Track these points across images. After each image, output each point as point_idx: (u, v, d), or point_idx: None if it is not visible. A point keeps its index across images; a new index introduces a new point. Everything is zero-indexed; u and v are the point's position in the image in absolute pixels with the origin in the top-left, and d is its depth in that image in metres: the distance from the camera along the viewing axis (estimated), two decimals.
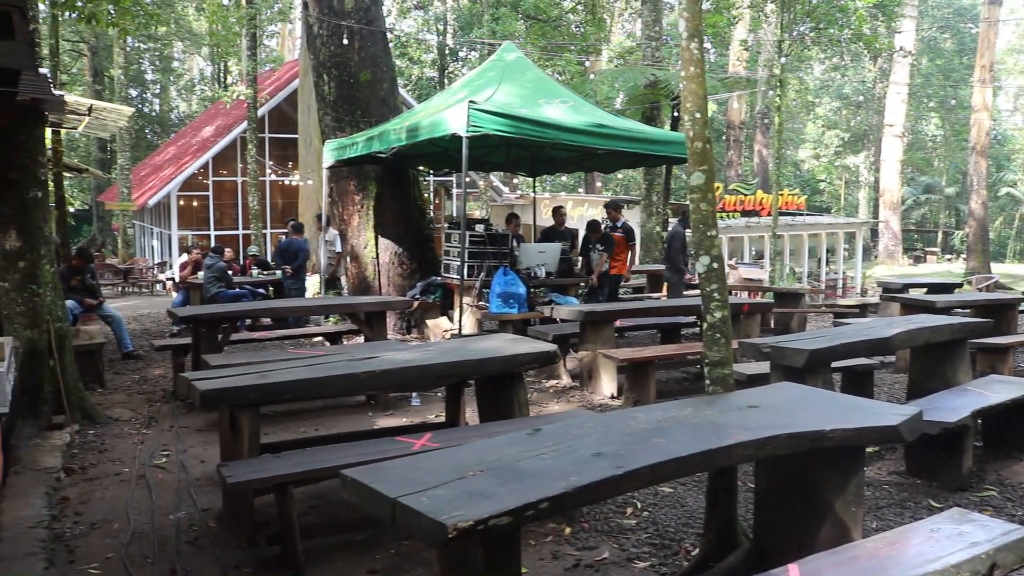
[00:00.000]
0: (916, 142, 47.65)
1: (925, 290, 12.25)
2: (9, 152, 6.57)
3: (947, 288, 12.55)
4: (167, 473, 6.00)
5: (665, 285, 12.52)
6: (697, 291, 8.51)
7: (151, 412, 7.79)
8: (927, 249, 42.81)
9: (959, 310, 9.35)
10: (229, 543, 4.70)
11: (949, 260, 39.93)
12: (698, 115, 4.48)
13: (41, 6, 10.58)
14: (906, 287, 11.99)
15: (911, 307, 9.24)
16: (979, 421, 6.10)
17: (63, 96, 7.17)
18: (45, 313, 6.86)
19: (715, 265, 4.49)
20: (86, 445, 6.66)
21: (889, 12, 21.35)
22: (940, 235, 47.47)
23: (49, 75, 6.28)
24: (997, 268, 30.92)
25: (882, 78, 40.91)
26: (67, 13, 11.73)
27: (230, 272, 12.74)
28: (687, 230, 11.29)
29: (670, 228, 13.12)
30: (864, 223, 30.65)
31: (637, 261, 19.85)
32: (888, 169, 34.83)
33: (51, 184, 8.45)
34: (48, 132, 10.28)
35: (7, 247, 6.68)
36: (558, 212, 12.26)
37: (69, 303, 8.89)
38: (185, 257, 15.50)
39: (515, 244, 10.77)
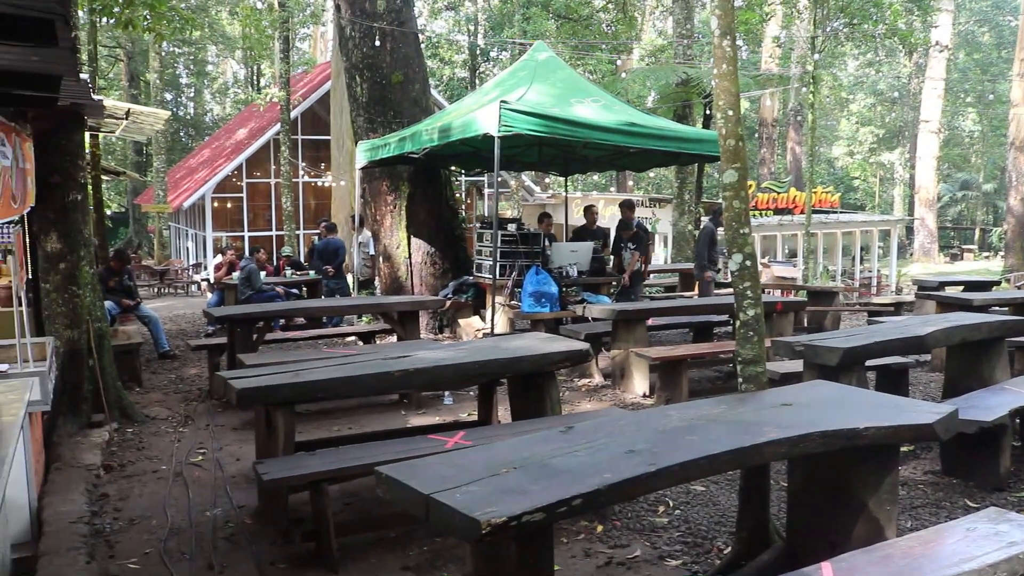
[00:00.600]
0: (953, 138, 46.96)
1: (962, 288, 12.09)
2: (51, 156, 6.70)
3: (984, 286, 12.37)
4: (203, 471, 6.09)
5: (697, 284, 12.47)
6: (728, 289, 8.46)
7: (187, 411, 7.91)
8: (964, 247, 42.19)
9: (997, 308, 9.21)
10: (264, 539, 4.77)
11: (987, 258, 39.33)
12: (731, 112, 4.47)
13: (80, 13, 10.75)
14: (942, 285, 11.82)
15: (947, 305, 9.12)
16: (1017, 420, 6.03)
17: (102, 101, 7.28)
18: (85, 313, 6.98)
19: (748, 263, 4.47)
20: (124, 443, 6.78)
21: (925, 6, 21.09)
22: (977, 232, 46.76)
23: (88, 80, 6.38)
24: None
25: (918, 73, 40.42)
26: (105, 19, 11.92)
27: (263, 273, 12.86)
28: (719, 228, 11.24)
29: (702, 226, 13.05)
30: (899, 220, 30.29)
31: (669, 260, 19.85)
32: (924, 166, 34.42)
33: (89, 187, 8.59)
34: (87, 136, 10.45)
35: (48, 249, 6.81)
36: (589, 211, 12.24)
37: (107, 304, 9.03)
38: (220, 258, 15.67)
39: (547, 243, 10.78)
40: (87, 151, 7.65)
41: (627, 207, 11.81)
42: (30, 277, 6.99)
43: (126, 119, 10.22)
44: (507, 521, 2.62)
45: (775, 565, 3.91)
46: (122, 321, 10.47)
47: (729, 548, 4.40)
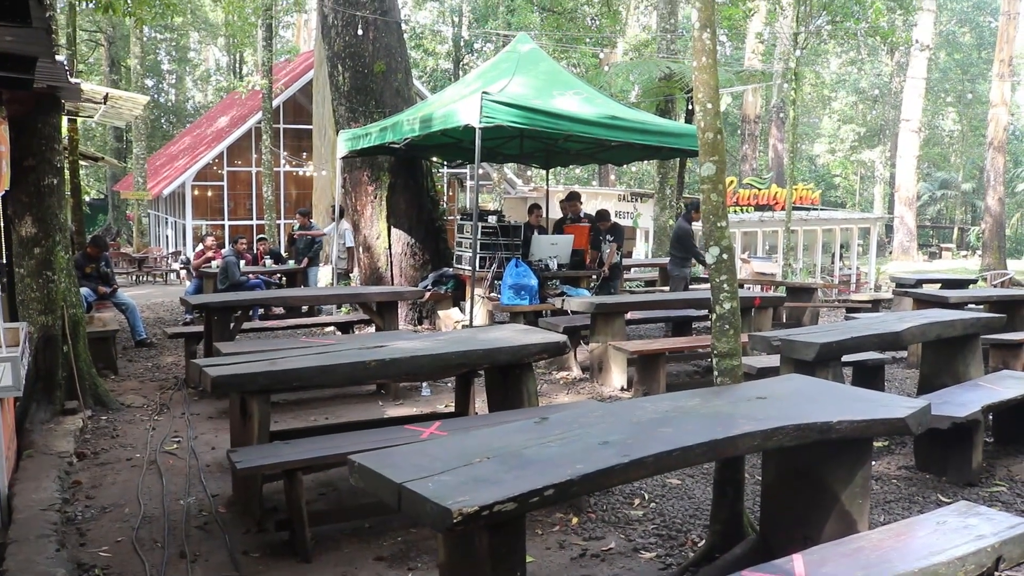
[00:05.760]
0: (933, 137, 47.32)
1: (939, 286, 12.18)
2: (26, 139, 6.61)
3: (961, 284, 12.48)
4: (178, 459, 6.05)
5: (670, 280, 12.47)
6: (706, 284, 8.48)
7: (163, 399, 7.85)
8: (942, 245, 42.54)
9: (972, 306, 9.29)
10: (238, 528, 4.75)
11: (965, 256, 39.66)
12: (710, 105, 4.48)
13: None
14: (920, 283, 11.91)
15: (924, 302, 9.17)
16: (990, 416, 6.08)
17: (79, 84, 7.20)
18: (60, 299, 6.91)
19: (725, 256, 4.48)
20: (98, 430, 6.72)
21: (906, 5, 21.23)
22: (956, 231, 47.14)
23: (66, 63, 6.31)
24: (1013, 265, 30.69)
25: (899, 72, 40.64)
26: (85, 2, 11.79)
27: (242, 262, 12.75)
28: (692, 224, 11.28)
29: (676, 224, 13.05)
30: (879, 219, 30.45)
31: (650, 255, 19.89)
32: (904, 164, 34.66)
33: (67, 172, 8.50)
34: (64, 120, 10.32)
35: (23, 233, 6.73)
36: (571, 202, 12.13)
37: (83, 291, 8.94)
38: (200, 246, 15.56)
39: (535, 234, 10.78)
40: (64, 135, 7.56)
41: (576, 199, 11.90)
42: (4, 262, 6.92)
43: (104, 103, 10.10)
44: (479, 511, 2.62)
45: (748, 557, 3.92)
46: (98, 308, 10.37)
47: (703, 541, 4.42)
